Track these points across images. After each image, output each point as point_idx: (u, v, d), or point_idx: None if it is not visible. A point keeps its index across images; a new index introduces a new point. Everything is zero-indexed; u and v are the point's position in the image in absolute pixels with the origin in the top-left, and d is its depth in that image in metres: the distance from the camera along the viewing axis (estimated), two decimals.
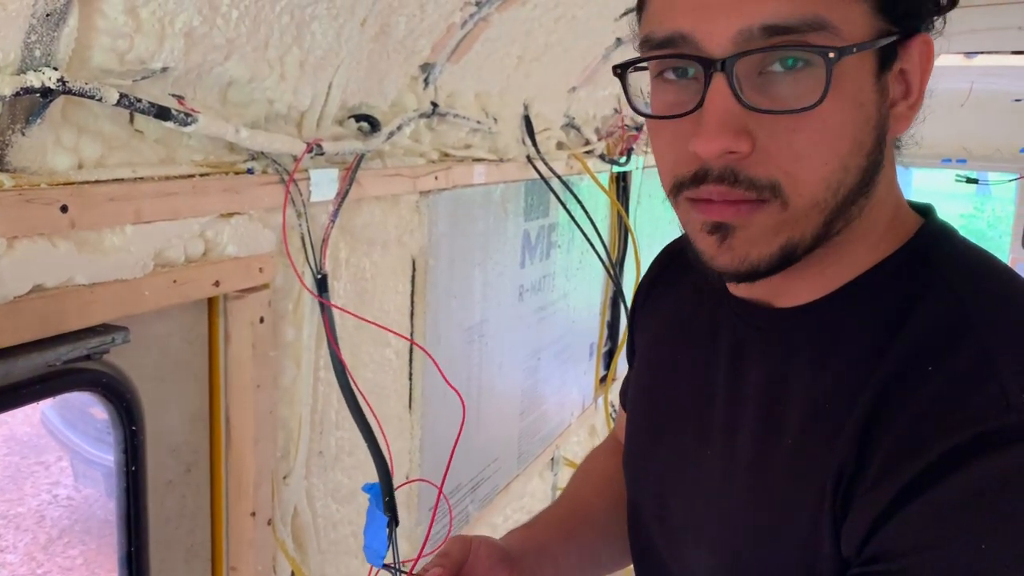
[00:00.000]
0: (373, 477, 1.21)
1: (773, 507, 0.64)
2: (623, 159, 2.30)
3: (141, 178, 0.83)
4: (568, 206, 1.95)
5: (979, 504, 0.53)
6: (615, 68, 0.63)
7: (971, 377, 0.56)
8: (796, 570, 0.63)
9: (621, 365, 2.68)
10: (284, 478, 1.13)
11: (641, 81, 0.64)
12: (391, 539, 1.13)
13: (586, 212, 1.99)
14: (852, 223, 0.61)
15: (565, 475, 2.40)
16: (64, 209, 0.74)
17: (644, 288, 0.89)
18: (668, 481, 0.77)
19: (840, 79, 0.54)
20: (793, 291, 0.67)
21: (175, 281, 0.88)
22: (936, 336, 0.59)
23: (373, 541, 1.13)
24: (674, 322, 0.81)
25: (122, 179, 0.80)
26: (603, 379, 2.65)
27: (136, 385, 0.90)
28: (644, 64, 0.62)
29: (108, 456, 4.30)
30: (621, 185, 2.49)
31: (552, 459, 2.25)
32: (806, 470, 0.62)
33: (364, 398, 1.11)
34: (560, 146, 1.94)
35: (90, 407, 4.37)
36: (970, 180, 2.71)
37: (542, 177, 1.76)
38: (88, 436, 4.39)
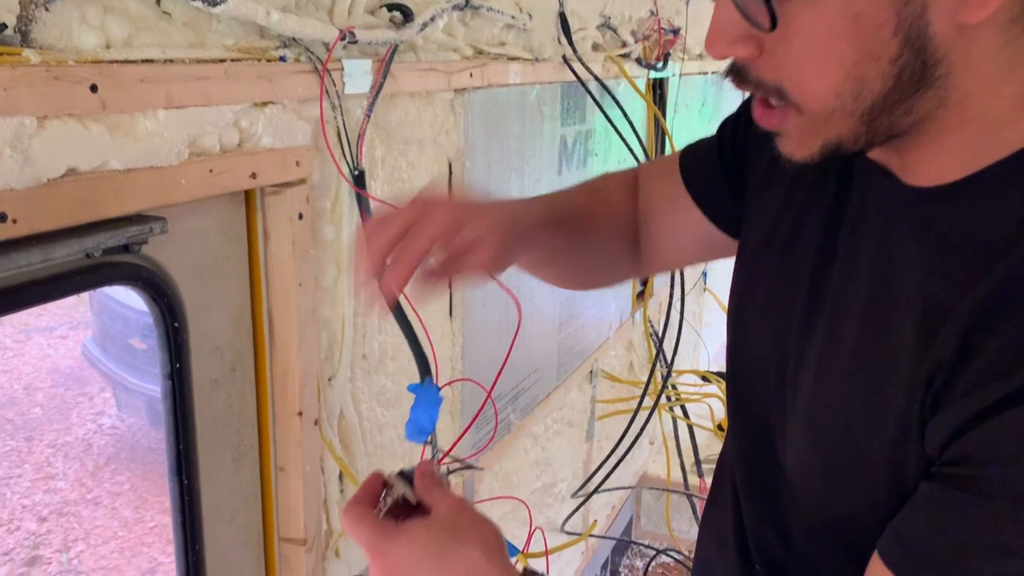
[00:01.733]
0: (409, 385, 1.19)
1: (867, 396, 0.62)
2: (660, 64, 2.22)
3: (171, 60, 0.79)
4: (606, 111, 1.89)
5: None
6: None
7: None
8: (883, 462, 0.60)
9: (658, 281, 2.65)
10: (329, 380, 1.12)
11: None
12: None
13: (625, 115, 1.92)
14: (937, 112, 0.57)
15: (603, 388, 2.39)
16: (94, 89, 0.71)
17: None
18: (775, 346, 0.73)
19: None
20: (924, 168, 0.62)
21: (211, 171, 0.85)
22: None
23: (422, 417, 1.06)
24: (798, 186, 0.76)
25: (152, 60, 0.77)
26: (640, 294, 2.62)
27: (176, 281, 0.88)
28: None
29: (149, 385, 4.38)
30: (658, 93, 2.42)
31: (591, 372, 2.24)
32: (906, 361, 0.59)
33: (407, 298, 1.08)
34: (596, 47, 1.88)
35: (130, 338, 4.44)
36: None
37: (579, 79, 1.70)
38: (129, 367, 4.46)
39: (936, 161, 0.61)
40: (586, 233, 0.92)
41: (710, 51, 0.59)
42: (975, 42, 0.56)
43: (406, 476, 0.70)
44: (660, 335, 2.50)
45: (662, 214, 0.94)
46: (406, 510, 0.68)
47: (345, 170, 1.05)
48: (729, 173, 0.87)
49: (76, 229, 0.72)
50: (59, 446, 4.65)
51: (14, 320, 5.94)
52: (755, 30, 0.56)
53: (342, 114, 1.03)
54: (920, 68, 0.55)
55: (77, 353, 5.28)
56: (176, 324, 0.89)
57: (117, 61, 0.73)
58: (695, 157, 0.92)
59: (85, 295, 5.25)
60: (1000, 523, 0.52)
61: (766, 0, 0.53)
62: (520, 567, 0.68)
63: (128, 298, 4.14)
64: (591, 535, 2.35)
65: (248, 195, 0.96)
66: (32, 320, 6.06)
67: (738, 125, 0.87)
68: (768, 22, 0.54)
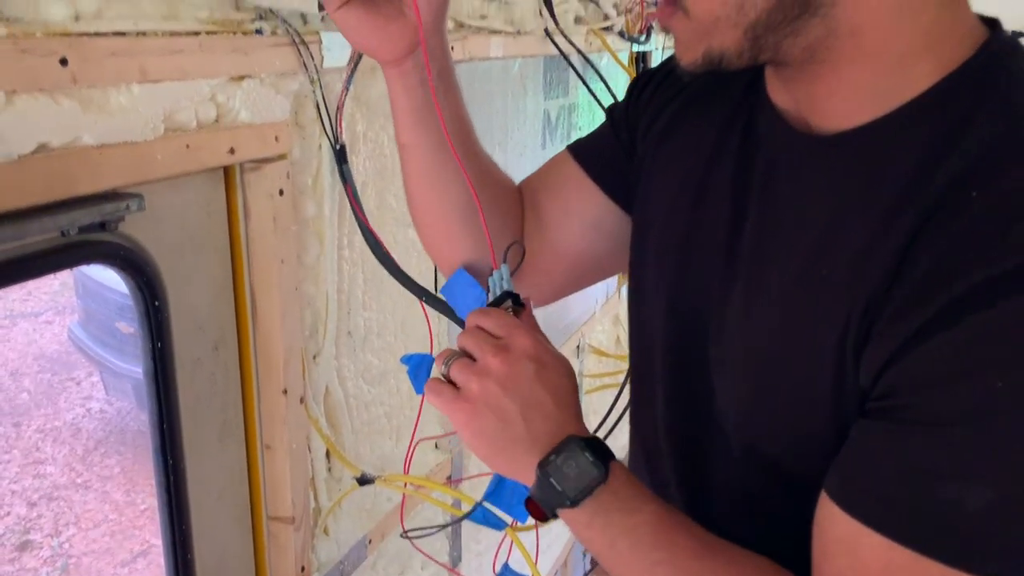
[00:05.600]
0: (403, 356, 1.19)
1: (801, 341, 0.62)
2: (643, 37, 2.20)
3: (144, 33, 0.77)
4: (590, 85, 1.87)
5: (1000, 342, 0.50)
6: None
7: (1013, 205, 0.53)
8: (827, 401, 0.61)
9: None
10: (314, 357, 1.12)
11: None
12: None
13: (609, 89, 1.91)
14: (827, 41, 0.59)
15: (591, 362, 2.39)
16: (64, 62, 0.69)
17: (671, 81, 0.83)
18: (698, 309, 0.73)
19: None
20: (829, 112, 0.63)
21: (188, 146, 0.83)
22: (987, 159, 0.55)
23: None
24: (706, 134, 0.76)
25: (124, 33, 0.75)
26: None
27: (156, 259, 0.87)
28: None
29: (136, 369, 4.37)
30: (641, 66, 2.40)
31: (578, 346, 2.24)
32: (836, 305, 0.59)
33: (398, 264, 1.08)
34: (578, 20, 1.86)
35: (116, 321, 4.41)
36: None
37: (561, 52, 1.69)
38: (116, 350, 4.44)
39: (840, 98, 0.62)
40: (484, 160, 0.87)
41: None
42: None
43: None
44: None
45: (550, 192, 0.90)
46: None
47: (325, 147, 1.04)
48: (621, 142, 0.86)
49: (49, 207, 0.71)
50: (48, 431, 4.63)
51: None
52: None
53: (321, 88, 1.02)
54: None
55: (63, 338, 5.25)
56: (156, 303, 0.88)
57: (87, 34, 0.72)
58: (583, 138, 0.92)
59: (69, 279, 5.21)
60: (935, 448, 0.53)
61: None
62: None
63: (113, 281, 4.11)
64: None
65: (227, 171, 0.95)
66: (17, 305, 6.02)
67: (630, 97, 0.87)
68: None
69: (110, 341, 4.47)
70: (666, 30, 0.64)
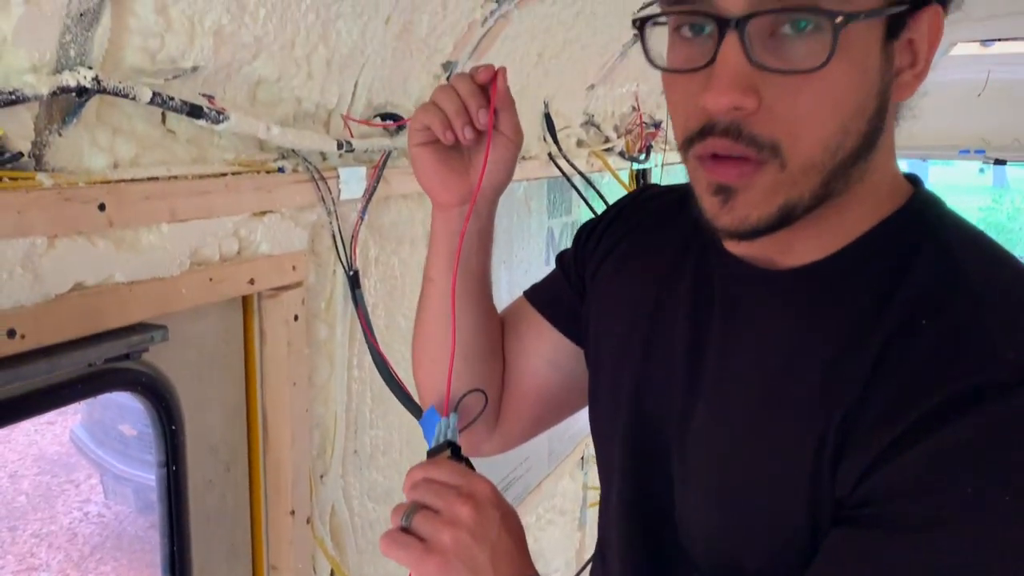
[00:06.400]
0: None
1: (774, 456, 0.65)
2: (642, 156, 2.30)
3: (175, 177, 0.83)
4: (591, 203, 1.94)
5: (964, 455, 0.55)
6: (634, 21, 0.64)
7: (961, 331, 0.58)
8: (797, 517, 0.63)
9: None
10: (321, 477, 1.14)
11: (659, 36, 0.65)
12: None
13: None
14: (853, 185, 0.63)
15: (595, 474, 2.39)
16: (102, 207, 0.75)
17: (615, 227, 0.86)
18: (658, 430, 0.74)
19: (847, 44, 0.55)
20: (795, 250, 0.67)
21: (211, 279, 0.88)
22: (931, 291, 0.61)
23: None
24: (654, 274, 0.79)
25: (157, 178, 0.81)
26: None
27: (174, 384, 0.91)
28: (663, 19, 0.63)
29: (138, 472, 4.33)
30: (641, 183, 2.49)
31: (582, 458, 2.25)
32: (810, 421, 0.63)
33: (404, 386, 1.11)
34: (580, 144, 1.95)
35: (119, 424, 4.40)
36: (998, 161, 2.71)
37: (564, 174, 1.76)
38: (118, 453, 4.41)
39: (811, 236, 0.65)
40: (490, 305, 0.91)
41: (718, 101, 0.56)
42: (888, 122, 0.63)
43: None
44: None
45: (508, 334, 0.93)
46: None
47: (339, 274, 1.09)
48: (571, 284, 0.89)
49: (81, 340, 0.75)
50: (43, 535, 4.56)
51: None
52: (758, 83, 0.56)
53: (337, 219, 1.07)
54: (874, 132, 0.61)
55: (65, 439, 5.22)
56: (173, 427, 0.91)
57: (124, 180, 0.78)
58: (537, 283, 0.96)
59: None
60: (915, 552, 0.56)
61: (834, 32, 0.54)
62: None
63: None
64: None
65: (246, 299, 1.00)
66: None
67: (577, 244, 0.91)
68: (825, 57, 0.54)
69: (113, 444, 4.44)
70: (724, 189, 0.60)
